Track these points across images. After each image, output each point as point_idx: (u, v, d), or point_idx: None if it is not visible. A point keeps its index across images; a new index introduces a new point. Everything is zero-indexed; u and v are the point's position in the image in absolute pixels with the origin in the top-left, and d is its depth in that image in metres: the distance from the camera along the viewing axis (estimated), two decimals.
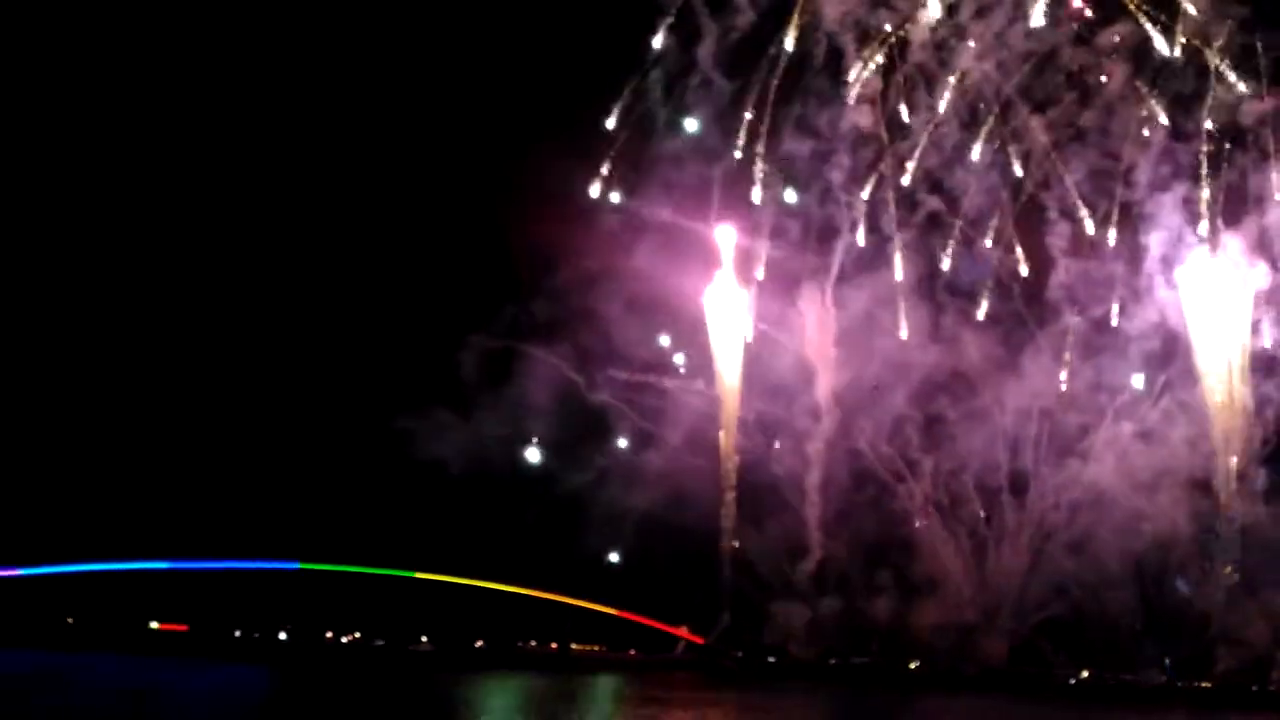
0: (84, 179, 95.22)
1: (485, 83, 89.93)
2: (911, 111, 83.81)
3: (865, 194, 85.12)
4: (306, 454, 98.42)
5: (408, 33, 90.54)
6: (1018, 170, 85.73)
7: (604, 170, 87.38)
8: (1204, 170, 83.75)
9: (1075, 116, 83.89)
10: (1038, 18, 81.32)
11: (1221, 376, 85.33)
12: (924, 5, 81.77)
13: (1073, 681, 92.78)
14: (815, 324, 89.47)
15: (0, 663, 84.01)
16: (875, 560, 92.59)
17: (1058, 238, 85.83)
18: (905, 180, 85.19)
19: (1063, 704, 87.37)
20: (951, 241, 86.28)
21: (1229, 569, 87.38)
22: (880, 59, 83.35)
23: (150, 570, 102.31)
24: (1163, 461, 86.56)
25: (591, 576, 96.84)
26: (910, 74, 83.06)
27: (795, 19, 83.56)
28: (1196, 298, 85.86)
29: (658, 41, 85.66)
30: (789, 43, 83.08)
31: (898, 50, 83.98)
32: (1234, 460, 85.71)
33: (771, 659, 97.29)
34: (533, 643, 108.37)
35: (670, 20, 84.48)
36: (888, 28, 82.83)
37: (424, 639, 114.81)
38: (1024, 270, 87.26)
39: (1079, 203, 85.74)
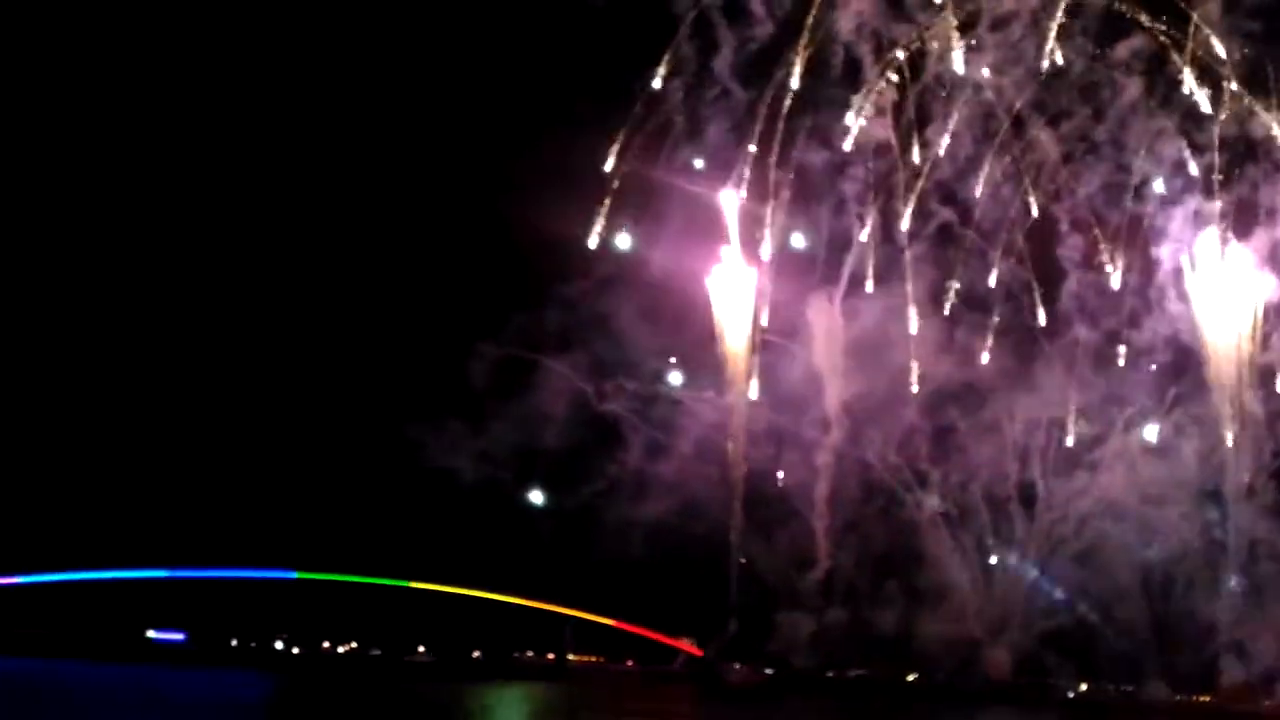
0: (84, 183, 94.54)
1: (494, 85, 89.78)
2: (927, 123, 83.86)
3: (878, 205, 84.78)
4: (305, 463, 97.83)
5: (416, 43, 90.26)
6: (1030, 183, 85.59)
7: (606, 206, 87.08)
8: (1215, 183, 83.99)
9: (1089, 130, 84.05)
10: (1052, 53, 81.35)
11: (1231, 389, 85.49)
12: (942, 17, 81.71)
13: (1071, 695, 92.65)
14: (825, 334, 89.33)
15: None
16: (882, 571, 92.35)
17: (1070, 250, 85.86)
18: (915, 194, 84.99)
19: (1063, 717, 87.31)
20: (964, 253, 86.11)
21: (1236, 582, 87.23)
22: (893, 75, 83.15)
23: (147, 579, 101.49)
24: (1172, 474, 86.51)
25: (595, 588, 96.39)
26: (927, 86, 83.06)
27: (804, 44, 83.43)
28: (1207, 310, 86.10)
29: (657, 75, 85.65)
30: (795, 79, 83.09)
31: (908, 65, 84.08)
32: (1244, 473, 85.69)
33: (769, 670, 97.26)
34: (530, 653, 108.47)
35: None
36: (898, 54, 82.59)
37: (421, 649, 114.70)
38: (1035, 283, 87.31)
39: (1091, 216, 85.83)
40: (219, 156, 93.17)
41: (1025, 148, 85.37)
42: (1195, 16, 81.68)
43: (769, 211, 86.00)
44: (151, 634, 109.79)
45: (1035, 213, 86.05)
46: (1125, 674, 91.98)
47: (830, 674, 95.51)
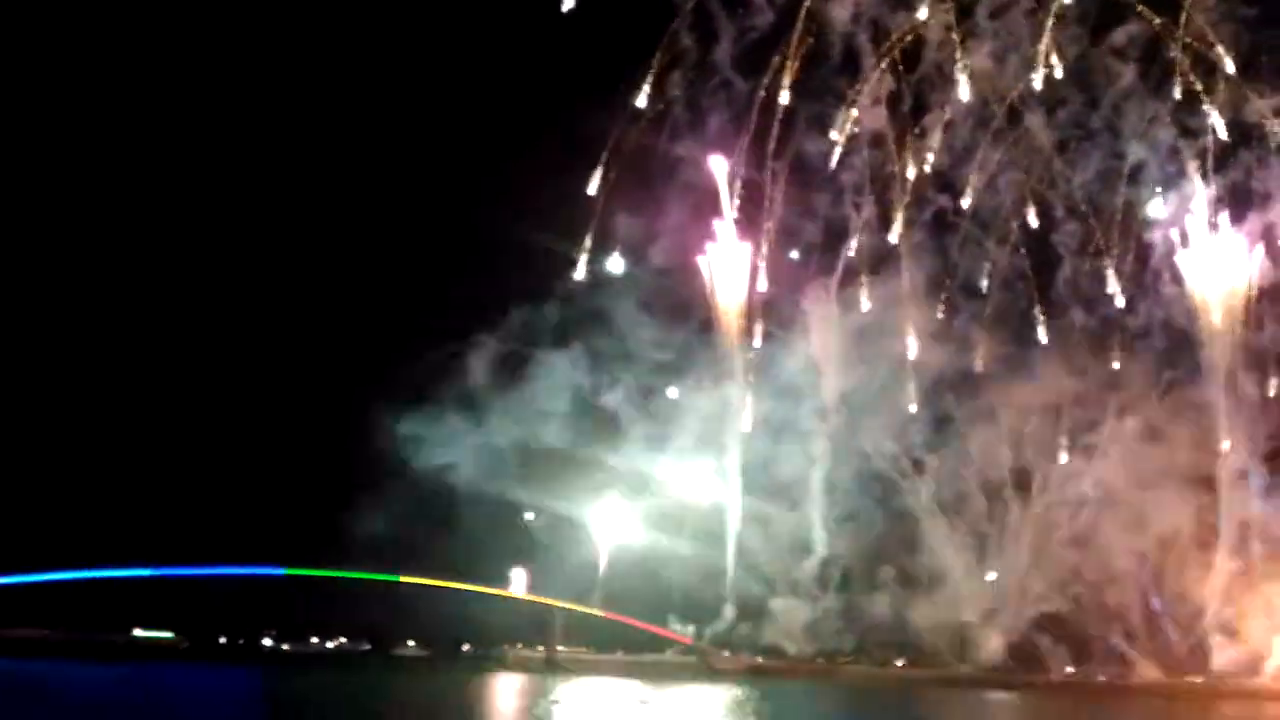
0: (63, 185, 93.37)
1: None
2: (924, 111, 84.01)
3: (875, 194, 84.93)
4: (293, 460, 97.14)
5: (411, 48, 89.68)
6: (1026, 171, 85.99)
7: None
8: (1209, 167, 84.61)
9: (1084, 117, 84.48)
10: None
11: (1225, 373, 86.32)
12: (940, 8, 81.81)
13: (1056, 679, 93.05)
14: (822, 323, 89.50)
15: None
16: (877, 558, 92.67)
17: (1065, 237, 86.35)
18: (912, 177, 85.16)
19: (1053, 700, 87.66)
20: (961, 242, 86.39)
21: (1228, 563, 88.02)
22: (884, 66, 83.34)
23: (134, 578, 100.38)
24: (1166, 458, 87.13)
25: (590, 579, 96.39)
26: (925, 74, 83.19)
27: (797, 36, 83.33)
28: (1201, 295, 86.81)
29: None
30: (784, 95, 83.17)
31: (905, 55, 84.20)
32: (1236, 456, 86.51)
33: (760, 659, 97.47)
34: (520, 646, 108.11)
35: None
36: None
37: (410, 643, 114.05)
38: (1031, 269, 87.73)
39: (1086, 203, 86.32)
40: (197, 158, 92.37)
41: (1021, 136, 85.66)
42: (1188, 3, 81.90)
43: (766, 198, 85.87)
44: (139, 632, 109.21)
45: (1030, 201, 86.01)
46: (1117, 657, 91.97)
47: (820, 661, 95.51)
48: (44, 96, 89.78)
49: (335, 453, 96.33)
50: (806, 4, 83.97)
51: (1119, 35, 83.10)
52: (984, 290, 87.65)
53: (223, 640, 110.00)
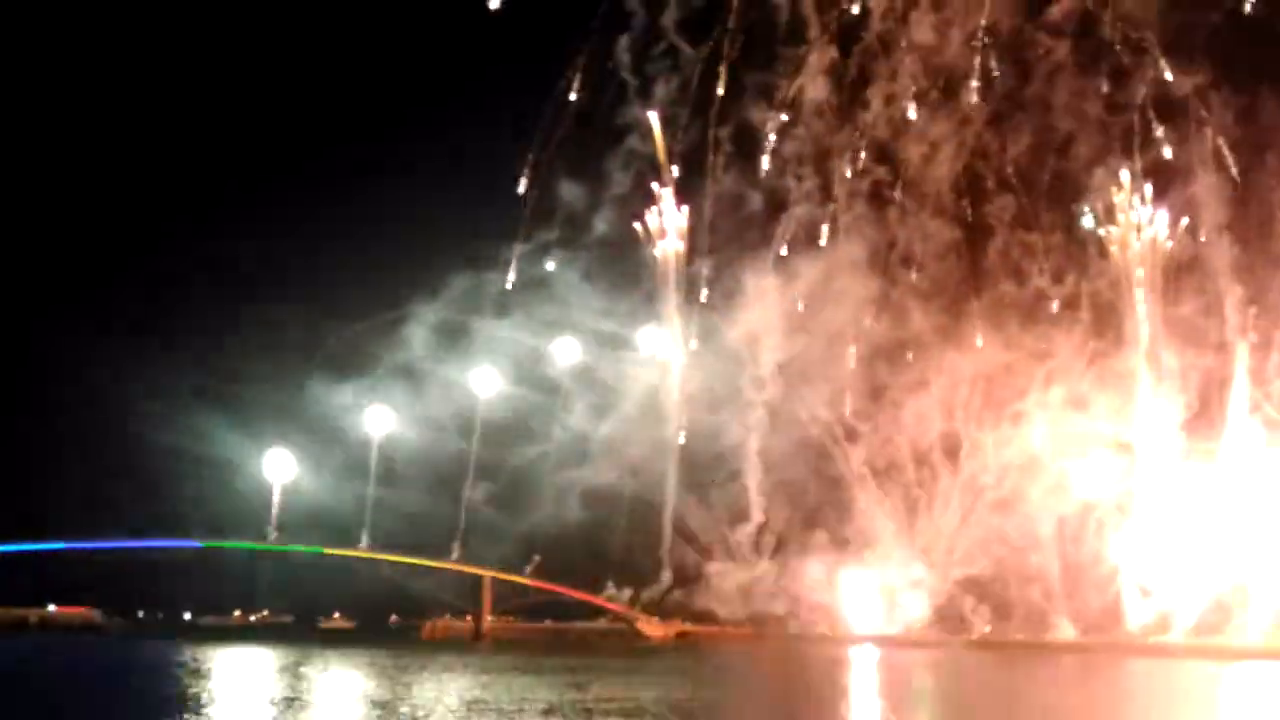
0: None
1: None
2: (867, 84, 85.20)
3: (815, 165, 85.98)
4: (209, 428, 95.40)
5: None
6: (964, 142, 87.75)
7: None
8: (1136, 143, 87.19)
9: (1017, 91, 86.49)
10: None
11: (1147, 343, 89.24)
12: None
13: (975, 638, 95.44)
14: (761, 293, 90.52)
15: None
16: (811, 524, 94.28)
17: (998, 209, 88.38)
18: (853, 149, 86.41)
19: (973, 659, 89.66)
20: (898, 214, 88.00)
21: (1144, 526, 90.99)
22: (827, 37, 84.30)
23: (45, 551, 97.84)
24: (1090, 425, 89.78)
25: (529, 548, 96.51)
26: (868, 47, 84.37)
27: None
28: (1126, 267, 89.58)
29: None
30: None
31: (845, 25, 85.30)
32: (1155, 424, 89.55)
33: (688, 624, 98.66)
34: (447, 616, 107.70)
35: None
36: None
37: (337, 615, 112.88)
38: (965, 241, 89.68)
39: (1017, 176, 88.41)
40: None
41: (956, 109, 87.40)
42: None
43: (708, 166, 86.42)
44: (53, 608, 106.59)
45: (965, 174, 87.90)
46: (1036, 616, 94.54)
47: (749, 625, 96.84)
48: None
49: (259, 423, 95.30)
50: None
51: (1054, 11, 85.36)
52: (919, 261, 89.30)
53: (141, 615, 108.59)
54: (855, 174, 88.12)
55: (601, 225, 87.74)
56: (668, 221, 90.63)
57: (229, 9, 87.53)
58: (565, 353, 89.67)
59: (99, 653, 78.66)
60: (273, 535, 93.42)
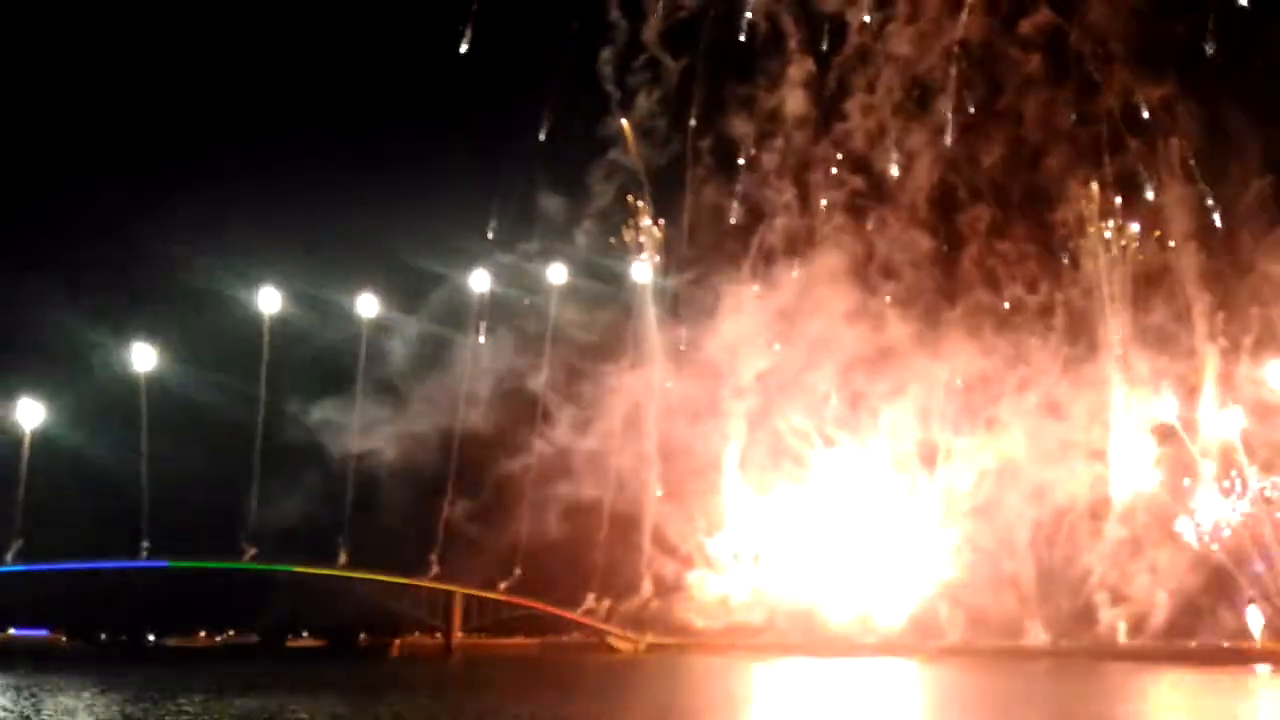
0: None
1: None
2: (845, 96, 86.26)
3: (793, 176, 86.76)
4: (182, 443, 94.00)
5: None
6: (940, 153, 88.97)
7: None
8: (1106, 154, 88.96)
9: (991, 102, 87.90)
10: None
11: (1119, 351, 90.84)
12: None
13: (946, 645, 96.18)
14: (740, 304, 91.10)
15: None
16: (788, 533, 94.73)
17: (973, 219, 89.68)
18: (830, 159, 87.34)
19: (946, 667, 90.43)
20: (874, 224, 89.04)
21: (1117, 531, 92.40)
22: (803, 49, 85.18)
23: (6, 574, 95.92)
24: (1063, 431, 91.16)
25: (509, 562, 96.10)
26: (846, 59, 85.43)
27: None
28: (1096, 275, 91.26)
29: None
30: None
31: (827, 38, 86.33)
32: (1129, 431, 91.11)
33: (651, 638, 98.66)
34: (416, 634, 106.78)
35: None
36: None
37: (305, 634, 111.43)
38: (941, 251, 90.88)
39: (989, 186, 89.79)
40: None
41: (931, 120, 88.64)
42: None
43: (686, 178, 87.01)
44: (13, 631, 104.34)
45: (940, 184, 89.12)
46: (1011, 623, 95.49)
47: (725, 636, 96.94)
48: None
49: (240, 440, 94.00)
50: None
51: (1025, 24, 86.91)
52: (896, 271, 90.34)
53: (103, 637, 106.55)
54: (833, 185, 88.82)
55: (580, 238, 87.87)
56: (646, 233, 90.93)
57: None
58: (544, 363, 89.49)
59: None
60: (250, 554, 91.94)
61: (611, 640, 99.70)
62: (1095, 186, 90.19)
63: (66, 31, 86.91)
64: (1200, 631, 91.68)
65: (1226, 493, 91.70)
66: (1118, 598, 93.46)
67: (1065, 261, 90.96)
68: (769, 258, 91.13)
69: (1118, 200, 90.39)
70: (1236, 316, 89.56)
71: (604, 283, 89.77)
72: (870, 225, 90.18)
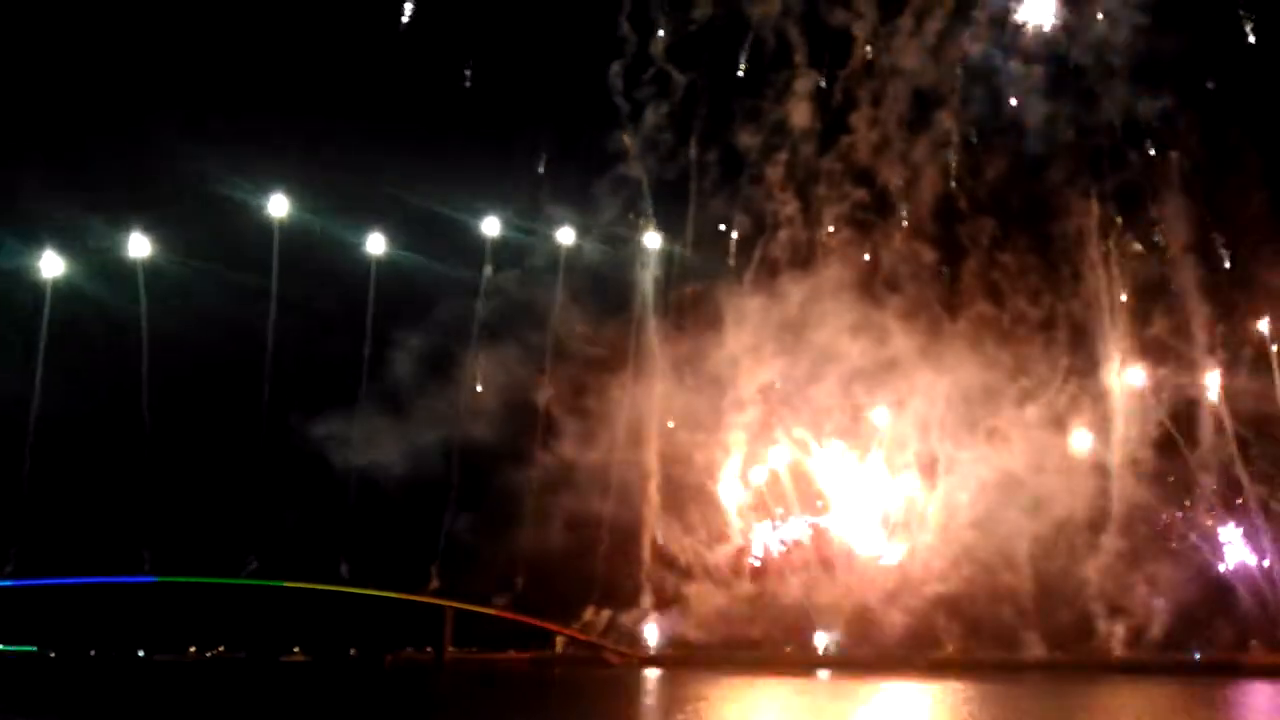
0: None
1: None
2: (850, 107, 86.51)
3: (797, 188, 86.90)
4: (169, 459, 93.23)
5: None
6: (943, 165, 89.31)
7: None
8: (1106, 166, 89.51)
9: (993, 115, 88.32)
10: None
11: (1116, 365, 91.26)
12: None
13: (940, 657, 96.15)
14: (743, 316, 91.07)
15: None
16: (788, 546, 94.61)
17: (975, 231, 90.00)
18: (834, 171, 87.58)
19: (943, 678, 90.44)
20: (878, 236, 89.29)
21: (1115, 543, 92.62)
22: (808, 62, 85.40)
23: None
24: (1063, 444, 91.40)
25: (510, 576, 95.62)
26: (853, 72, 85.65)
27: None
28: (1096, 287, 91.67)
29: None
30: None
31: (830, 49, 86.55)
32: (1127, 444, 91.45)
33: (646, 652, 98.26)
34: (408, 649, 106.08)
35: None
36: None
37: (296, 649, 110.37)
38: (943, 262, 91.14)
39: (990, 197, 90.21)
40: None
41: (932, 132, 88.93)
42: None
43: (690, 189, 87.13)
44: (1, 647, 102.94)
45: (941, 195, 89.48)
46: (1008, 634, 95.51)
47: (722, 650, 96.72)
48: None
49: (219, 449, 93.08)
50: None
51: (1028, 37, 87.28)
52: (898, 283, 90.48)
53: (92, 653, 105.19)
54: (837, 198, 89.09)
55: (586, 251, 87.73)
56: (650, 245, 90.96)
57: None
58: (548, 376, 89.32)
59: None
60: (252, 566, 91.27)
61: (606, 654, 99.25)
62: (1095, 200, 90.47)
63: None
64: (1198, 644, 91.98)
65: (1224, 505, 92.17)
66: (1115, 610, 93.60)
67: (1066, 274, 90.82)
68: (772, 269, 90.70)
69: (1117, 215, 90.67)
70: (1237, 329, 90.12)
71: (606, 294, 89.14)
72: (874, 237, 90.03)
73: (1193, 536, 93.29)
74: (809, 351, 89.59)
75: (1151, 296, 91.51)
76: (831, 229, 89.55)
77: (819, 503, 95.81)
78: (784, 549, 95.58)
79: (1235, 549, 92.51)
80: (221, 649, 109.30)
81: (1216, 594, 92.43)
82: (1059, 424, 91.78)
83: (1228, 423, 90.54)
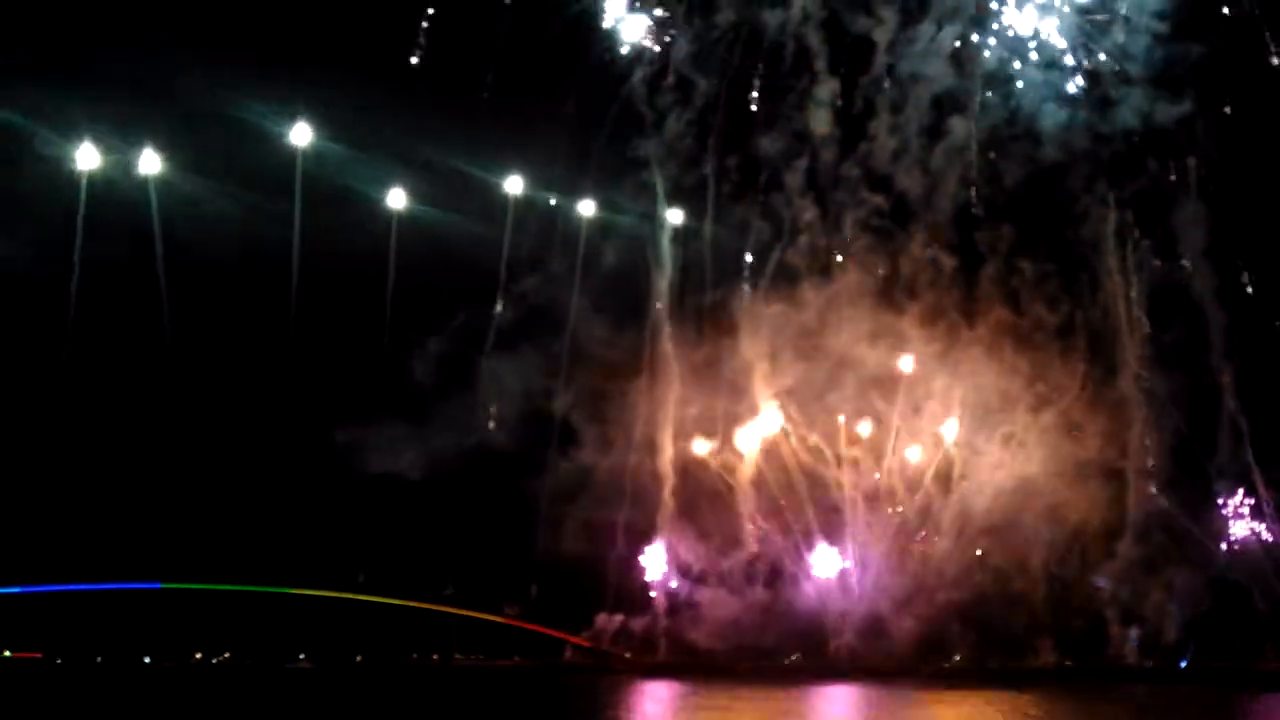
0: None
1: None
2: (869, 114, 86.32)
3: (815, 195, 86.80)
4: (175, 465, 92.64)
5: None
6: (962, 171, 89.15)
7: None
8: (1124, 172, 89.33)
9: (1011, 121, 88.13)
10: None
11: (1136, 370, 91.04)
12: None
13: (945, 666, 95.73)
14: (759, 323, 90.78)
15: None
16: (802, 553, 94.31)
17: (993, 237, 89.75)
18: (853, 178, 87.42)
19: (954, 689, 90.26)
20: (893, 243, 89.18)
21: (1131, 550, 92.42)
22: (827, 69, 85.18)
23: (1, 595, 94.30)
24: (1080, 451, 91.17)
25: (525, 582, 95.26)
26: (874, 76, 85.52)
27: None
28: (1113, 293, 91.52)
29: None
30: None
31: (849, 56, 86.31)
32: (1145, 451, 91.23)
33: (656, 659, 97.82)
34: (415, 655, 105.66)
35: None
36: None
37: (301, 656, 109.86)
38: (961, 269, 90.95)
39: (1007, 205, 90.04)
40: None
41: (950, 138, 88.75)
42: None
43: (708, 195, 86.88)
44: (7, 653, 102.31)
45: (959, 201, 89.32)
46: (1021, 642, 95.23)
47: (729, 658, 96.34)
48: None
49: (219, 455, 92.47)
50: None
51: (1045, 41, 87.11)
52: (916, 289, 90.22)
53: (98, 660, 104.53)
54: (855, 204, 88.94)
55: (605, 257, 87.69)
56: (669, 250, 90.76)
57: None
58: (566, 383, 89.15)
59: None
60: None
61: (614, 661, 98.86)
62: (1113, 205, 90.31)
63: None
64: (1214, 652, 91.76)
65: (1242, 513, 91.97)
66: (1130, 618, 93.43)
67: (1085, 280, 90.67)
68: (789, 276, 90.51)
69: (1136, 218, 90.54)
70: (1252, 335, 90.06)
71: (624, 299, 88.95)
72: (892, 243, 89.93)
73: (1208, 544, 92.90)
74: (825, 357, 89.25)
75: (1170, 303, 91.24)
76: (849, 236, 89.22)
77: (833, 509, 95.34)
78: (796, 556, 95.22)
79: (1251, 556, 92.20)
80: (227, 655, 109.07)
81: (1232, 601, 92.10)
82: (1075, 431, 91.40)
83: (1244, 429, 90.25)
